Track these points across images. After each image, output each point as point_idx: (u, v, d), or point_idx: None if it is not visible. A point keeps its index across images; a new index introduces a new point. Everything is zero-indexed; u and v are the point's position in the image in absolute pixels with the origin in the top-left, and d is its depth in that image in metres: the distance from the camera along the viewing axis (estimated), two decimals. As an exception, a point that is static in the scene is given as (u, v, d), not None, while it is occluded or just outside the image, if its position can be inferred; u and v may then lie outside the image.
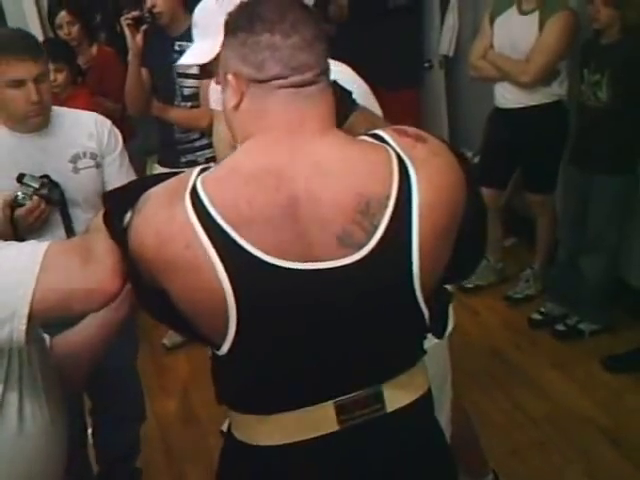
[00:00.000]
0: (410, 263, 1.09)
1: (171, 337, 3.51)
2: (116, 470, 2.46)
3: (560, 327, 3.22)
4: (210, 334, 1.13)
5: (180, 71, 3.08)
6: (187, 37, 3.05)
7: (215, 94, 2.69)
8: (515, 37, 3.20)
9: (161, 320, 1.29)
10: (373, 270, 1.09)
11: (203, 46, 1.62)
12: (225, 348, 1.11)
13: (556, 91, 3.21)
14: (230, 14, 1.14)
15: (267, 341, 1.12)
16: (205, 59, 1.61)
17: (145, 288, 1.17)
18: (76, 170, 2.11)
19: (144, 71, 3.11)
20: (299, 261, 1.07)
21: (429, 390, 1.27)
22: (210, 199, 1.06)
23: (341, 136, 1.15)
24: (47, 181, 2.02)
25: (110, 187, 2.12)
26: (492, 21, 3.32)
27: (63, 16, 3.65)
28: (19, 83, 1.96)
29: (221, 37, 1.15)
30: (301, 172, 1.08)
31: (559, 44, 3.09)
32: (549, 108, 3.23)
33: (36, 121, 2.05)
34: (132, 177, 2.20)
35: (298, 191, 1.07)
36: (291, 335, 1.12)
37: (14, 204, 1.94)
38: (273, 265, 1.06)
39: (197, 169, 1.12)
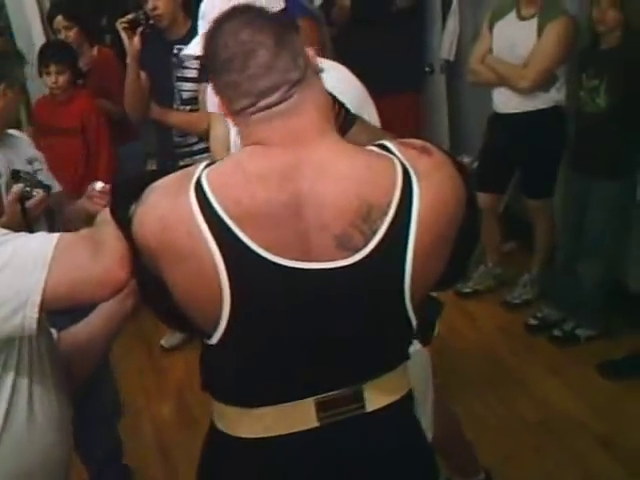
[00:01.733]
0: (403, 271, 1.11)
1: (169, 339, 3.52)
2: (105, 471, 2.44)
3: (557, 332, 3.22)
4: (203, 324, 1.15)
5: (179, 75, 3.08)
6: (186, 41, 3.04)
7: (212, 97, 2.70)
8: (514, 42, 3.21)
9: (157, 310, 1.31)
10: (366, 274, 1.11)
11: None
12: (215, 339, 1.14)
13: (554, 97, 3.22)
14: (201, 51, 1.17)
15: (256, 334, 1.14)
16: None
17: (146, 278, 1.20)
18: (34, 171, 2.18)
19: (143, 74, 3.10)
20: (296, 260, 1.09)
21: (409, 392, 1.29)
22: (213, 192, 1.08)
23: (346, 144, 1.16)
24: (34, 174, 2.12)
25: None
26: (492, 26, 3.33)
27: (59, 21, 3.65)
28: None
29: None
30: (306, 174, 1.10)
31: (557, 50, 3.10)
32: (547, 113, 3.23)
33: None
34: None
35: (301, 191, 1.09)
36: (280, 331, 1.14)
37: (23, 198, 2.01)
38: (270, 261, 1.08)
39: (203, 164, 1.15)
